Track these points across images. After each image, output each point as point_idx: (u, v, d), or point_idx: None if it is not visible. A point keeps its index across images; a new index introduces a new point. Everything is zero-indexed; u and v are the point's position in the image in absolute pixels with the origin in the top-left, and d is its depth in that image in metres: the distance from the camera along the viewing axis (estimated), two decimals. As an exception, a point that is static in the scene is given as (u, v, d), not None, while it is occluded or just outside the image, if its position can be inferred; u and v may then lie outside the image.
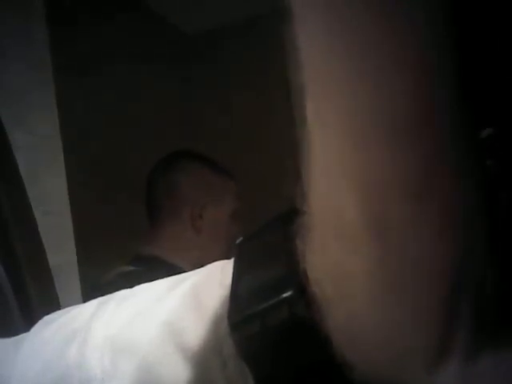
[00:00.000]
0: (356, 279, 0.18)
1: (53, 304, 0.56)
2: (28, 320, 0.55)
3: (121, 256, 1.02)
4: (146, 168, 1.08)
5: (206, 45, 1.52)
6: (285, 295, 0.20)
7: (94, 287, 0.96)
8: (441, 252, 0.16)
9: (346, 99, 0.16)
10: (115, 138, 1.26)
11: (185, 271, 0.77)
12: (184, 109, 1.52)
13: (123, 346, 0.23)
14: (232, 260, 0.24)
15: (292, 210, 0.21)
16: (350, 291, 0.18)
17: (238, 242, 0.26)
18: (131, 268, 0.98)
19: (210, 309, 0.22)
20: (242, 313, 0.21)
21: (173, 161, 1.07)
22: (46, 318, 0.26)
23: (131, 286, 0.73)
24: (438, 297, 0.16)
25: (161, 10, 1.37)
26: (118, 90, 1.25)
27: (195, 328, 0.22)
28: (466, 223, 0.16)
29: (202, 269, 0.27)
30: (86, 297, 0.85)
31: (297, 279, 0.20)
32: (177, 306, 0.23)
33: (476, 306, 0.16)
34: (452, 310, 0.16)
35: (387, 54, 0.15)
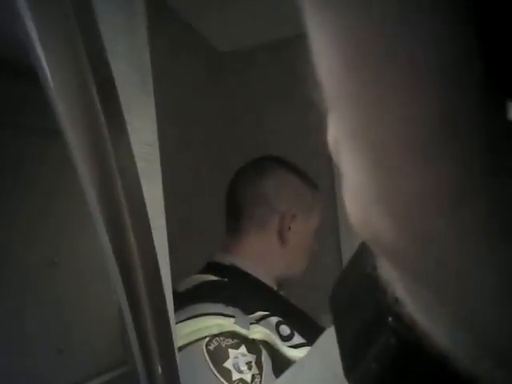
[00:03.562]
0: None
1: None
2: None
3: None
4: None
5: (239, 62, 1.51)
6: (386, 324, 0.20)
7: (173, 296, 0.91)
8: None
9: (372, 118, 0.15)
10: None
11: (266, 285, 0.75)
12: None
13: None
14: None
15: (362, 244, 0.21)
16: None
17: (330, 295, 0.26)
18: (213, 278, 0.93)
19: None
20: (350, 360, 0.22)
21: (261, 167, 1.02)
22: None
23: (216, 296, 0.71)
24: None
25: (197, 26, 1.36)
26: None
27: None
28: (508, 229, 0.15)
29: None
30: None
31: (390, 308, 0.20)
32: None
33: None
34: None
35: (408, 71, 0.14)
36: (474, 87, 0.14)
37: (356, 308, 0.22)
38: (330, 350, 0.24)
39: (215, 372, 0.75)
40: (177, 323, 0.82)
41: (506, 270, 0.14)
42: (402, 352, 0.19)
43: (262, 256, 1.01)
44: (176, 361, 0.55)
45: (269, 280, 1.00)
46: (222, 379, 0.74)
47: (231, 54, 1.54)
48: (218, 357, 0.77)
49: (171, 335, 0.54)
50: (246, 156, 1.45)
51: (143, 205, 0.50)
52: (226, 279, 0.94)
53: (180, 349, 0.78)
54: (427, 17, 0.13)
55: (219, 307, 0.86)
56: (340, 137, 0.17)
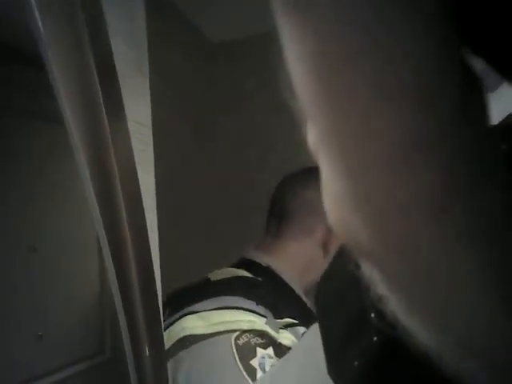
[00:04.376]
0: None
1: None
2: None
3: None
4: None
5: (232, 53, 1.51)
6: (369, 322, 0.20)
7: (206, 283, 0.90)
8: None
9: (344, 128, 0.15)
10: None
11: (297, 294, 0.76)
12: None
13: None
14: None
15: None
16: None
17: (315, 292, 0.26)
18: (247, 274, 0.92)
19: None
20: (334, 358, 0.22)
21: (309, 177, 1.01)
22: None
23: (249, 293, 0.71)
24: None
25: (189, 15, 1.34)
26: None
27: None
28: (496, 224, 0.14)
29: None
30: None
31: (373, 305, 0.19)
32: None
33: None
34: None
35: (378, 81, 0.14)
36: (453, 96, 0.14)
37: (340, 305, 0.22)
38: (314, 347, 0.23)
39: (241, 367, 0.74)
40: (206, 311, 0.83)
41: (490, 274, 0.14)
42: (384, 350, 0.19)
43: (303, 263, 1.00)
44: (163, 344, 0.55)
45: (299, 289, 1.00)
46: (246, 376, 0.73)
47: (224, 44, 1.53)
48: (245, 353, 0.76)
49: (159, 317, 0.54)
50: (235, 147, 1.45)
51: (137, 183, 0.49)
52: (259, 279, 0.93)
53: (206, 336, 0.79)
54: (398, 25, 0.13)
55: (251, 304, 0.86)
56: (316, 141, 0.17)
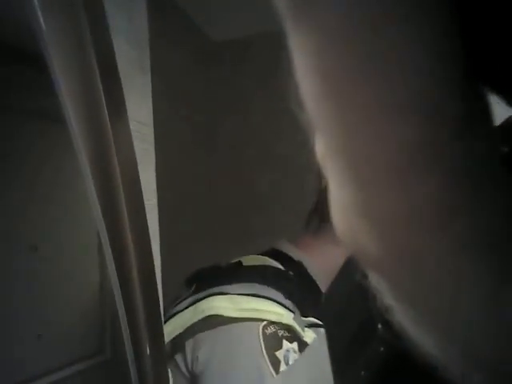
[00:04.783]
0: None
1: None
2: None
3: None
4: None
5: (231, 52, 1.50)
6: (375, 332, 0.20)
7: (238, 266, 0.90)
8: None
9: (351, 140, 0.15)
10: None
11: (322, 296, 0.74)
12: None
13: None
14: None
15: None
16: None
17: (322, 302, 0.25)
18: (280, 266, 0.92)
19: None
20: (340, 367, 0.22)
21: None
22: None
23: (278, 284, 0.71)
24: None
25: (190, 15, 1.34)
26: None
27: None
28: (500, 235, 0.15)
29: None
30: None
31: (380, 316, 0.20)
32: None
33: None
34: None
35: (383, 93, 0.14)
36: (460, 110, 0.14)
37: (347, 316, 0.22)
38: (320, 355, 0.25)
39: (266, 357, 0.74)
40: (236, 295, 0.83)
41: (494, 281, 0.14)
42: (391, 361, 0.19)
43: (335, 265, 0.99)
44: (164, 343, 0.55)
45: (324, 288, 1.00)
46: (270, 366, 0.73)
47: (224, 44, 1.52)
48: (272, 343, 0.77)
49: (160, 316, 0.54)
50: (234, 146, 1.45)
51: (138, 182, 0.49)
52: (291, 273, 0.93)
53: (234, 320, 0.79)
54: (403, 37, 0.13)
55: (279, 296, 0.86)
56: (324, 153, 0.17)
